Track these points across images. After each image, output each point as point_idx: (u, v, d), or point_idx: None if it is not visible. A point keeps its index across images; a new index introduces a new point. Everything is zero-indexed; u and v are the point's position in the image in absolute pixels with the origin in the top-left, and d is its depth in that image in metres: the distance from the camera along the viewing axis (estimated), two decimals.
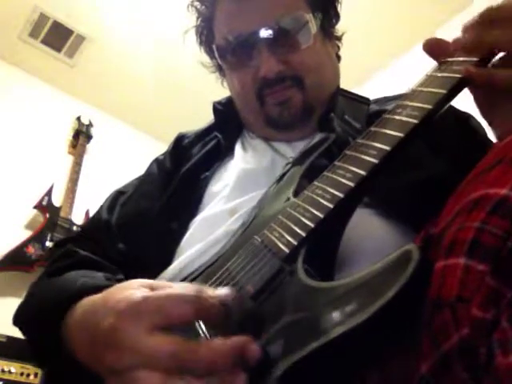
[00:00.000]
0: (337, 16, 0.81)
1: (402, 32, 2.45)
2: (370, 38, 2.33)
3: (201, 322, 0.39)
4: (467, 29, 0.48)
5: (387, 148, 0.44)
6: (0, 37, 2.66)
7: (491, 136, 0.54)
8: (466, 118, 0.71)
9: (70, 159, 2.78)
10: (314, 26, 0.72)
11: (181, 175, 0.75)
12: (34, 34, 2.67)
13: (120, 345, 0.36)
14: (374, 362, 0.37)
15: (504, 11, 0.45)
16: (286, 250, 0.43)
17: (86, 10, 2.54)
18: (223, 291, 0.38)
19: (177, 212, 0.70)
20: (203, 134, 0.83)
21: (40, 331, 0.53)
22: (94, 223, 0.75)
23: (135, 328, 0.35)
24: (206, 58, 0.85)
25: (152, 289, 0.39)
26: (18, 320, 0.60)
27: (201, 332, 0.38)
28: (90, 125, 2.95)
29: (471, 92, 0.50)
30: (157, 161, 0.83)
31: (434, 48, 0.52)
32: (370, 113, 0.71)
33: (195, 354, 0.34)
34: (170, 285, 0.39)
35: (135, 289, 0.39)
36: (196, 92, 2.70)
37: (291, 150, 0.72)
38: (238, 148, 0.78)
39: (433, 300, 0.35)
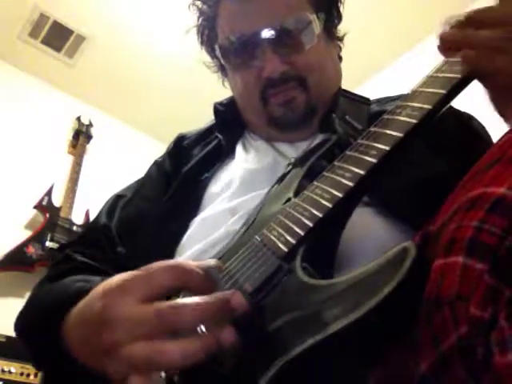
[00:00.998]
0: (339, 16, 0.81)
1: (401, 32, 2.45)
2: (369, 39, 2.33)
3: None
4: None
5: (386, 148, 0.44)
6: (0, 37, 2.66)
7: (494, 136, 0.54)
8: (467, 119, 0.71)
9: (70, 159, 2.78)
10: (317, 27, 0.72)
11: (181, 176, 0.75)
12: (34, 33, 2.67)
13: (111, 320, 0.37)
14: (372, 360, 0.37)
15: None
16: (285, 249, 0.43)
17: (86, 9, 2.54)
18: (206, 261, 0.41)
19: (177, 213, 0.70)
20: (204, 135, 0.83)
21: (38, 337, 0.54)
22: (93, 228, 0.75)
23: (123, 301, 0.37)
24: (207, 58, 0.85)
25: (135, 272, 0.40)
26: (17, 327, 0.61)
27: None
28: (90, 125, 2.96)
29: (483, 84, 0.50)
30: (156, 163, 0.83)
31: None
32: (372, 113, 0.71)
33: (181, 311, 0.35)
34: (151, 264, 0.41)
35: (119, 275, 0.41)
36: (196, 92, 2.71)
37: (293, 151, 0.72)
38: (239, 149, 0.78)
39: (432, 299, 0.35)
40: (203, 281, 0.39)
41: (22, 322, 0.61)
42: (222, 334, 0.34)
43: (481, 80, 0.48)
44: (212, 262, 0.42)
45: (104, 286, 0.41)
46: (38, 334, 0.54)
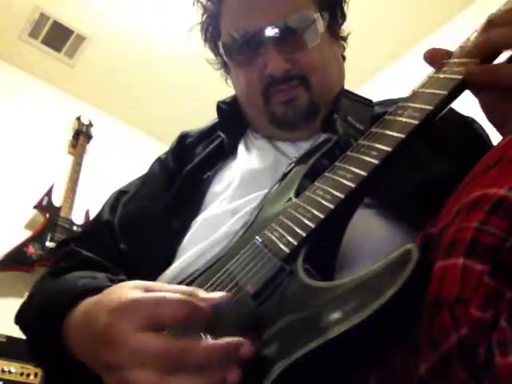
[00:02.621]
0: (343, 16, 0.81)
1: (402, 32, 2.45)
2: (370, 39, 2.33)
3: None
4: (472, 35, 0.48)
5: (388, 149, 0.44)
6: (0, 37, 2.66)
7: (495, 139, 0.54)
8: (469, 121, 0.71)
9: (70, 159, 2.78)
10: (321, 26, 0.72)
11: (184, 175, 0.75)
12: (34, 33, 2.67)
13: (113, 341, 0.37)
14: (374, 362, 0.37)
15: (507, 14, 0.45)
16: (287, 250, 0.43)
17: (86, 9, 2.54)
18: (216, 294, 0.40)
19: (179, 211, 0.70)
20: (206, 133, 0.83)
21: (41, 331, 0.54)
22: (95, 223, 0.75)
23: (127, 325, 0.37)
24: (208, 57, 0.84)
25: (145, 290, 0.40)
26: (19, 319, 0.61)
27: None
28: (90, 125, 2.95)
29: (475, 96, 0.50)
30: (159, 160, 0.83)
31: (434, 57, 0.52)
32: (374, 115, 0.71)
33: (187, 351, 0.35)
34: (162, 287, 0.40)
35: (129, 289, 0.40)
36: (196, 92, 2.71)
37: (295, 150, 0.71)
38: (241, 148, 0.78)
39: (432, 300, 0.35)
40: (210, 320, 0.38)
41: (24, 314, 0.61)
42: (227, 375, 0.34)
43: (478, 91, 0.49)
44: (220, 294, 0.41)
45: (112, 298, 0.40)
46: (40, 327, 0.54)
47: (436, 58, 0.51)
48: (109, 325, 0.38)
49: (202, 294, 0.39)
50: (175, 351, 0.35)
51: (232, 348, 0.35)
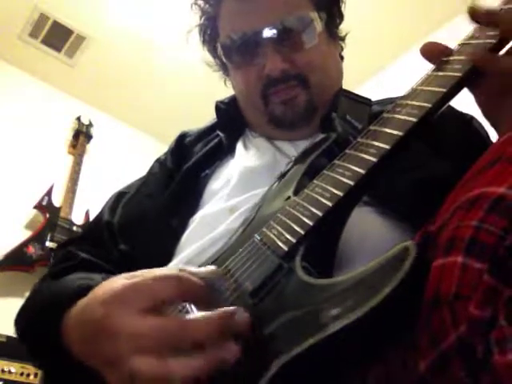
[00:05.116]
0: (341, 16, 0.81)
1: (402, 32, 2.45)
2: (370, 39, 2.33)
3: (192, 305, 0.39)
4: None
5: (386, 147, 0.44)
6: (0, 37, 2.66)
7: (493, 137, 0.54)
8: (468, 119, 0.71)
9: (70, 159, 2.78)
10: (318, 26, 0.72)
11: (182, 173, 0.75)
12: (34, 33, 2.68)
13: (112, 332, 0.36)
14: (372, 359, 0.37)
15: None
16: (285, 248, 0.43)
17: (86, 9, 2.54)
18: (205, 268, 0.40)
19: (177, 209, 0.70)
20: (205, 133, 0.84)
21: (39, 333, 0.54)
22: (95, 225, 0.76)
23: (123, 313, 0.36)
24: (207, 57, 0.85)
25: (136, 277, 0.40)
26: (17, 323, 0.61)
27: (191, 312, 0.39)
28: (90, 125, 2.96)
29: (472, 93, 0.50)
30: (158, 161, 0.84)
31: (431, 52, 0.52)
32: (373, 114, 0.71)
33: (184, 329, 0.35)
34: (152, 270, 0.40)
35: (120, 280, 0.40)
36: (196, 92, 2.71)
37: (294, 149, 0.72)
38: (239, 147, 0.78)
39: (431, 298, 0.35)
40: (205, 293, 0.38)
41: (22, 318, 0.61)
42: (225, 350, 0.34)
43: (476, 84, 0.49)
44: (213, 269, 0.41)
45: (104, 290, 0.40)
46: (38, 329, 0.54)
47: (433, 52, 0.51)
48: (106, 316, 0.37)
49: (192, 269, 0.39)
50: (173, 328, 0.35)
51: (228, 319, 0.35)
